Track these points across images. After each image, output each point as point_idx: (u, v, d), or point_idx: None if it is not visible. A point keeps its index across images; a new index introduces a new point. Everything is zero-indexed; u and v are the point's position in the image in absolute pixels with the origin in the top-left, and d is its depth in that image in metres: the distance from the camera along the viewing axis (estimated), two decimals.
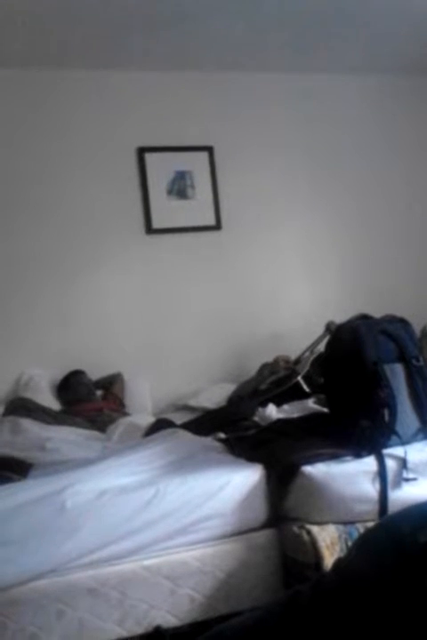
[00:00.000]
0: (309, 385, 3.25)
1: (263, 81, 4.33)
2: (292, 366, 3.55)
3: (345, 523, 2.08)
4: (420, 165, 4.67)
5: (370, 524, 2.02)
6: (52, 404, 3.59)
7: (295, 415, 2.84)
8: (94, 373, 3.80)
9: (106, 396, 3.72)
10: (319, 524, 2.08)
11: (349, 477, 2.14)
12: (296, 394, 3.22)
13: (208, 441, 2.58)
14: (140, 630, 1.98)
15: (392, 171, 4.61)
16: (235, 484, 2.15)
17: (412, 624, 0.88)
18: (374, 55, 4.26)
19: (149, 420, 3.20)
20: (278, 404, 3.06)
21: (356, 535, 2.04)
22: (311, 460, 2.18)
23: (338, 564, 1.08)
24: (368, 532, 1.09)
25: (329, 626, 0.96)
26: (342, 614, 0.95)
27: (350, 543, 2.01)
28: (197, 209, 4.22)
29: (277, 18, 3.65)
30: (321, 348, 3.29)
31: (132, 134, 4.11)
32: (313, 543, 2.00)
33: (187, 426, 2.83)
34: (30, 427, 2.98)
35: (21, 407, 3.29)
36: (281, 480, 2.17)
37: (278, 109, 4.40)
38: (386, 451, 2.21)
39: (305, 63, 4.27)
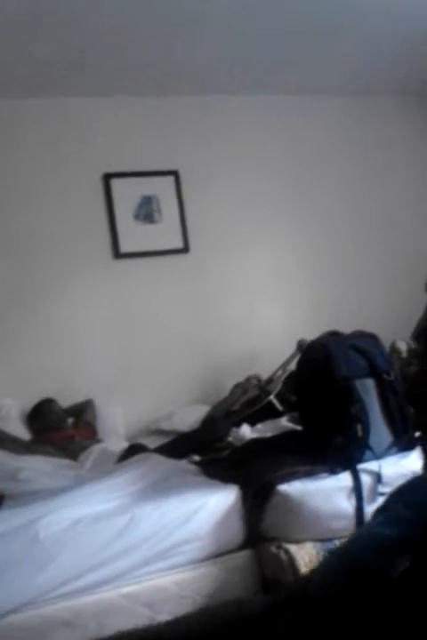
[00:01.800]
0: (282, 403, 3.26)
1: (228, 103, 4.36)
2: (264, 385, 3.55)
3: (323, 540, 2.08)
4: (388, 185, 4.75)
5: None
6: (23, 433, 3.53)
7: (269, 434, 2.84)
8: (65, 400, 3.76)
9: (77, 423, 3.68)
10: (297, 542, 2.07)
11: (324, 494, 2.14)
12: (270, 413, 3.23)
13: (183, 464, 2.57)
14: None
15: (361, 191, 4.67)
16: (211, 506, 2.14)
17: None
18: (344, 77, 4.31)
19: (122, 445, 3.18)
20: (252, 423, 3.06)
21: None
22: (287, 479, 2.17)
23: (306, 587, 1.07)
24: (329, 569, 1.08)
25: None
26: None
27: None
28: (165, 233, 4.23)
29: (241, 41, 3.68)
30: (293, 366, 3.30)
31: (97, 160, 4.11)
32: (291, 562, 2.00)
33: (160, 450, 2.82)
34: (1, 457, 2.93)
35: None
36: (257, 500, 2.16)
37: (244, 132, 4.44)
38: (361, 466, 2.22)
39: (272, 85, 4.30)
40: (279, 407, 3.24)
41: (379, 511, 1.13)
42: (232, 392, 3.70)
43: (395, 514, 1.03)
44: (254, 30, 3.59)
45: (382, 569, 0.91)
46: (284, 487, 2.15)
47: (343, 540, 1.99)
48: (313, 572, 1.14)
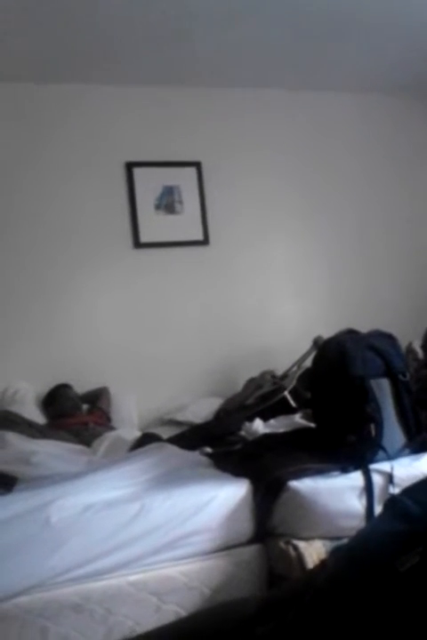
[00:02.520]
0: (296, 400, 3.26)
1: (252, 97, 4.37)
2: (278, 381, 3.55)
3: (332, 538, 2.07)
4: (406, 183, 4.72)
5: None
6: (38, 417, 3.56)
7: (282, 430, 2.84)
8: (81, 387, 3.79)
9: (92, 410, 3.71)
10: (306, 539, 2.07)
11: (335, 492, 2.14)
12: (283, 408, 3.23)
13: (195, 455, 2.57)
14: None
15: (379, 189, 4.65)
16: (221, 499, 2.14)
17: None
18: (365, 74, 4.32)
19: (135, 434, 3.19)
20: (265, 418, 3.06)
21: None
22: (298, 475, 2.17)
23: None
24: (336, 562, 1.08)
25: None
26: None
27: None
28: (185, 224, 4.24)
29: (266, 35, 3.69)
30: (308, 362, 3.30)
31: (120, 149, 4.13)
32: (300, 559, 1.99)
33: (173, 440, 2.82)
34: (15, 440, 2.95)
35: (6, 420, 3.26)
36: (268, 495, 2.16)
37: (266, 125, 4.43)
38: (373, 466, 2.21)
39: (294, 80, 4.31)
40: (293, 403, 3.24)
41: (387, 506, 1.13)
42: (246, 386, 3.70)
43: (403, 509, 1.03)
44: (275, 24, 3.58)
45: (389, 562, 0.91)
46: (295, 483, 2.14)
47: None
48: (321, 565, 1.14)
